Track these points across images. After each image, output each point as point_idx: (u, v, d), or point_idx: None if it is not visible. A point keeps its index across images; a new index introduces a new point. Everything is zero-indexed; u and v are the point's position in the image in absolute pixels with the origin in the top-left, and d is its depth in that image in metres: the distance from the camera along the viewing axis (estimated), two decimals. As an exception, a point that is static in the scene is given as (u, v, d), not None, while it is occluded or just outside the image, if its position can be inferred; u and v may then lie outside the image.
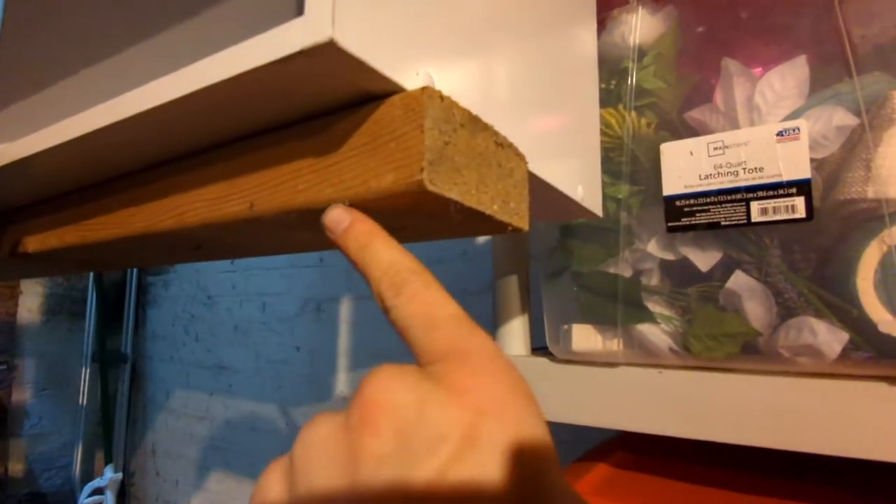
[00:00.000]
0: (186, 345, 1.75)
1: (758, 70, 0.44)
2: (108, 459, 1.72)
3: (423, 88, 0.20)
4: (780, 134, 0.41)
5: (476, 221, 0.24)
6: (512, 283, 0.59)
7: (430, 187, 0.19)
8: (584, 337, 0.51)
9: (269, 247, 0.34)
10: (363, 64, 0.19)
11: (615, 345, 0.49)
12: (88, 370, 1.77)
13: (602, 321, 0.51)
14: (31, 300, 1.69)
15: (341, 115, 0.22)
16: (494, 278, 0.60)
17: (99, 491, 1.64)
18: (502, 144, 0.25)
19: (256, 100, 0.22)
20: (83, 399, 1.75)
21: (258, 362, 1.54)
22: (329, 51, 0.18)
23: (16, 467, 1.62)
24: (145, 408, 1.86)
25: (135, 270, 1.91)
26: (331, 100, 0.22)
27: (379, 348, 1.29)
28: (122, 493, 1.77)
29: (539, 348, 0.60)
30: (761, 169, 0.42)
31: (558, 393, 0.52)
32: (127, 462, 1.86)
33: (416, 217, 0.23)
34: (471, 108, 0.22)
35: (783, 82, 0.42)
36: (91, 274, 1.80)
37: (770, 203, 0.42)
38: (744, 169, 0.43)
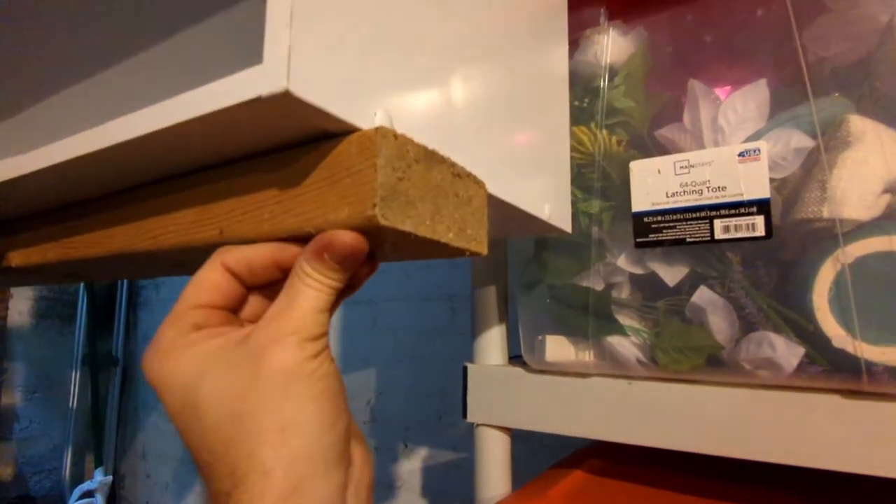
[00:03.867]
0: (177, 348, 1.76)
1: (723, 91, 0.46)
2: (98, 462, 1.72)
3: (377, 129, 0.21)
4: (741, 154, 0.43)
5: (432, 249, 0.25)
6: (490, 294, 0.60)
7: (383, 221, 0.20)
8: (558, 348, 0.52)
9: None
10: (319, 109, 0.20)
11: (587, 356, 0.51)
12: (79, 373, 1.77)
13: (574, 333, 0.52)
14: (21, 303, 1.69)
15: (305, 150, 0.24)
16: (473, 288, 0.62)
17: (89, 494, 1.64)
18: (460, 175, 0.26)
19: (223, 135, 0.23)
20: (73, 402, 1.76)
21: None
22: (285, 99, 0.19)
23: (5, 471, 1.62)
24: (136, 411, 1.86)
25: (126, 274, 1.91)
26: (293, 136, 0.23)
27: (367, 353, 1.30)
28: (113, 497, 1.77)
29: (516, 356, 0.61)
30: (724, 188, 0.44)
31: (533, 402, 0.53)
32: (117, 465, 1.86)
33: (374, 243, 0.24)
34: (430, 139, 0.24)
35: (745, 105, 0.44)
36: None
37: (732, 221, 0.43)
38: (708, 187, 0.44)
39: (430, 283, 1.23)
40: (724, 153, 0.44)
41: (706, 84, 0.46)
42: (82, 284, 1.79)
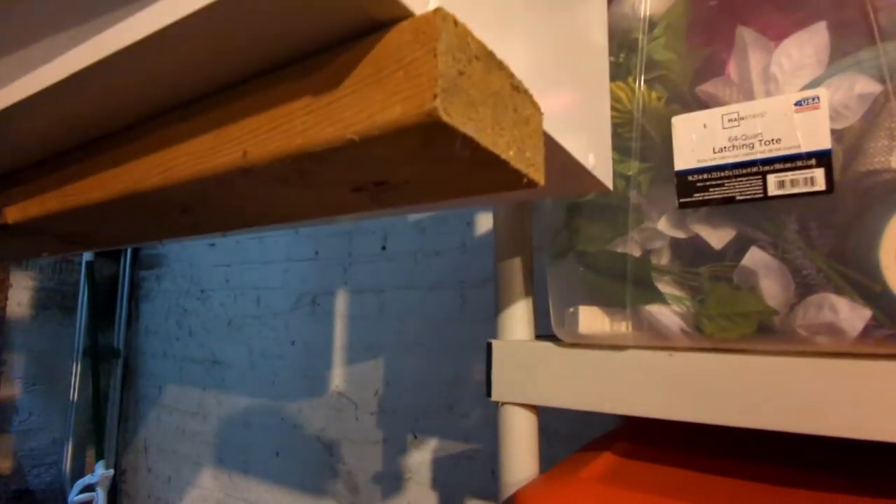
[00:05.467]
0: (179, 339, 1.73)
1: (774, 39, 0.42)
2: (99, 456, 1.69)
3: (437, 10, 0.18)
4: (798, 104, 0.40)
5: (489, 169, 0.22)
6: (514, 267, 0.57)
7: (445, 118, 0.17)
8: (591, 319, 0.49)
9: (262, 211, 0.32)
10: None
11: (623, 327, 0.48)
12: (80, 365, 1.74)
13: (609, 303, 0.49)
14: (21, 294, 1.66)
15: (342, 49, 0.20)
16: (495, 262, 0.58)
17: (90, 488, 1.61)
18: (518, 88, 0.23)
19: (246, 31, 0.20)
20: (74, 395, 1.72)
21: (252, 357, 1.51)
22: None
23: (4, 464, 1.59)
24: (137, 404, 1.83)
25: (127, 264, 1.88)
26: (330, 29, 0.20)
27: (374, 342, 1.27)
28: (114, 490, 1.74)
29: (543, 335, 0.58)
30: (778, 140, 0.40)
31: (564, 378, 0.50)
32: (119, 459, 1.83)
33: (422, 164, 0.21)
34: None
35: (801, 50, 0.40)
36: (83, 267, 1.77)
37: (788, 176, 0.40)
38: (760, 141, 0.41)
39: (440, 270, 1.19)
40: (778, 103, 0.40)
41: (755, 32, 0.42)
42: (83, 275, 1.76)
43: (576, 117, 0.36)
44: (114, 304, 1.85)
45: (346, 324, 1.33)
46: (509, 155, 0.21)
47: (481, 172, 0.22)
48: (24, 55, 0.38)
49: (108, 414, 1.79)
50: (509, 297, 0.57)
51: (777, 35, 0.42)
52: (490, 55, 0.20)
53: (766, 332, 0.42)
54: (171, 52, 0.22)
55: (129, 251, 1.88)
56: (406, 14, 0.18)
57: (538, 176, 0.23)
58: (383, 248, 1.28)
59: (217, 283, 1.64)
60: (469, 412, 1.11)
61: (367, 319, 1.29)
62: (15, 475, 1.60)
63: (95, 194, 0.31)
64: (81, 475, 1.65)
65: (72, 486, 1.59)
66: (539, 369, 0.51)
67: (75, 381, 1.73)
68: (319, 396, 1.35)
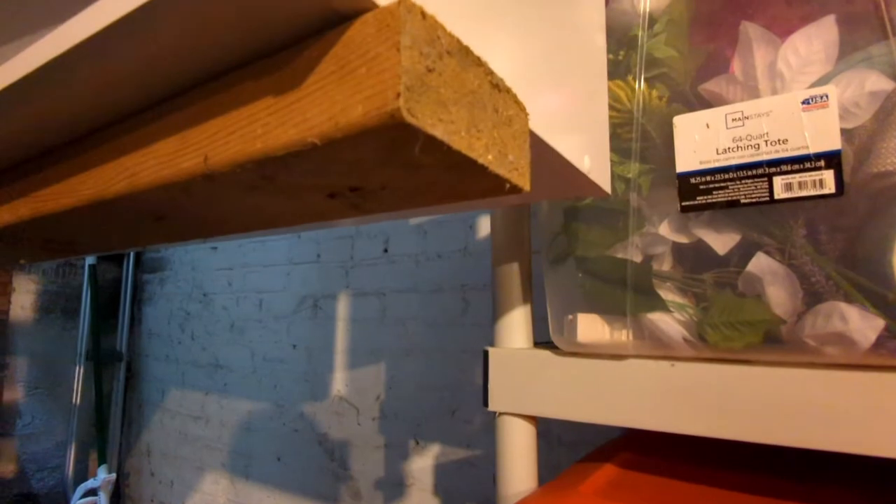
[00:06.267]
0: (182, 343, 1.72)
1: (780, 34, 0.40)
2: (101, 460, 1.68)
3: (401, 1, 0.16)
4: (806, 102, 0.38)
5: (467, 174, 0.20)
6: (512, 272, 0.55)
7: (409, 118, 0.16)
8: (590, 327, 0.47)
9: (235, 219, 0.30)
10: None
11: (624, 335, 0.46)
12: (82, 369, 1.74)
13: (609, 310, 0.47)
14: (23, 297, 1.66)
15: (306, 45, 0.19)
16: (493, 266, 0.57)
17: (92, 492, 1.60)
18: (499, 87, 0.21)
19: (207, 23, 0.19)
20: (77, 398, 1.72)
21: (254, 361, 1.50)
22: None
23: (7, 468, 1.59)
24: (140, 407, 1.83)
25: (130, 267, 1.88)
26: (292, 21, 0.18)
27: (376, 346, 1.25)
28: (117, 494, 1.74)
29: (542, 343, 0.56)
30: (785, 141, 0.38)
31: (562, 387, 0.48)
32: (121, 462, 1.83)
33: (393, 168, 0.19)
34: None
35: (809, 46, 0.39)
36: (86, 271, 1.77)
37: (795, 178, 0.38)
38: (766, 141, 0.39)
39: (442, 273, 1.18)
40: (785, 101, 0.39)
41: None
42: (86, 278, 1.76)
43: (570, 118, 0.35)
44: (117, 307, 1.85)
45: (347, 327, 1.31)
46: (488, 159, 0.19)
47: (458, 177, 0.21)
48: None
49: (111, 417, 1.79)
50: (507, 303, 0.55)
51: (784, 30, 0.40)
52: (465, 50, 0.19)
53: (772, 342, 0.40)
54: (134, 46, 0.20)
55: (131, 254, 1.88)
56: (369, 6, 0.17)
57: (523, 181, 0.22)
58: (385, 250, 1.27)
59: (219, 287, 1.63)
60: (471, 418, 1.10)
61: (369, 323, 1.27)
62: (18, 479, 1.60)
63: (64, 200, 0.30)
64: (84, 479, 1.64)
65: (74, 490, 1.59)
66: (537, 379, 0.50)
67: (78, 384, 1.72)
68: (321, 401, 1.34)
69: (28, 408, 1.65)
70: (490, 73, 0.20)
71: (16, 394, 1.62)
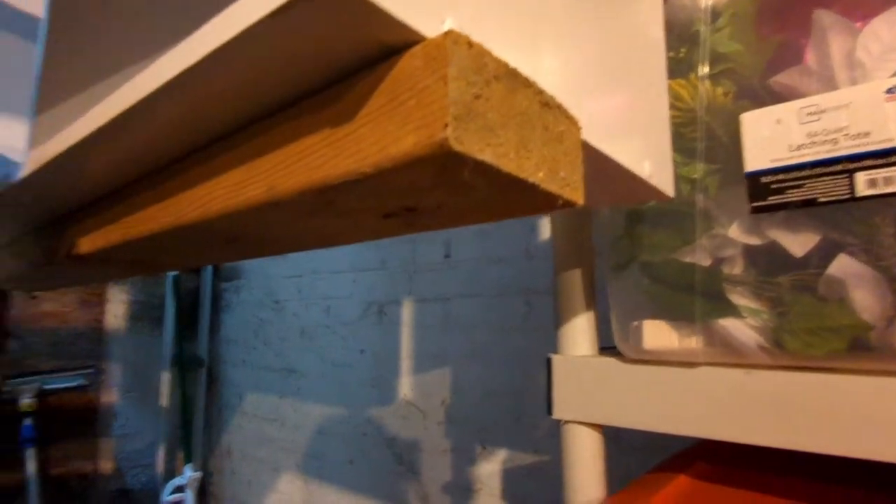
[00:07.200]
0: (256, 349, 1.80)
1: (858, 20, 0.38)
2: (187, 459, 1.79)
3: (447, 33, 0.17)
4: (890, 91, 0.35)
5: (518, 194, 0.20)
6: (575, 278, 0.54)
7: (456, 146, 0.16)
8: (657, 334, 0.45)
9: (297, 239, 0.31)
10: (374, 6, 0.16)
11: (693, 342, 0.44)
12: (168, 374, 1.86)
13: (677, 316, 0.45)
14: (116, 307, 1.79)
15: (357, 78, 0.19)
16: (555, 273, 0.56)
17: (180, 489, 1.71)
18: (549, 104, 0.21)
19: (262, 69, 0.20)
20: (164, 401, 1.84)
21: (324, 365, 1.55)
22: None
23: (106, 465, 1.72)
24: (221, 410, 1.93)
25: (209, 277, 1.99)
26: (343, 58, 0.19)
27: (440, 351, 1.26)
28: (203, 492, 1.84)
29: (606, 348, 0.55)
30: (867, 134, 0.36)
31: (630, 396, 0.47)
32: (206, 462, 1.94)
33: (445, 191, 0.20)
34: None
35: (892, 31, 0.36)
36: (169, 281, 1.89)
37: (880, 173, 0.35)
38: (845, 135, 0.37)
39: (504, 278, 1.17)
40: (865, 91, 0.36)
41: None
42: (169, 288, 1.88)
43: (627, 122, 0.34)
44: (197, 315, 1.96)
45: (412, 332, 1.33)
46: (538, 177, 0.19)
47: (510, 196, 0.21)
48: (88, 94, 0.40)
49: (195, 420, 1.90)
50: (570, 310, 0.54)
51: (862, 16, 0.38)
52: (513, 73, 0.19)
53: (859, 349, 0.37)
54: (206, 85, 0.22)
55: (210, 265, 1.99)
56: (417, 38, 0.17)
57: (576, 196, 0.22)
58: (447, 255, 1.28)
59: (290, 294, 1.70)
60: (537, 423, 1.09)
61: (433, 328, 1.29)
62: (115, 476, 1.73)
63: (146, 226, 0.32)
64: (173, 476, 1.75)
65: (165, 487, 1.70)
66: (603, 387, 0.49)
67: (165, 388, 1.84)
68: (389, 405, 1.36)
69: (123, 410, 1.79)
70: (539, 92, 0.20)
71: (112, 397, 1.76)
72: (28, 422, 1.51)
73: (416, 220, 0.25)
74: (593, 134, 0.27)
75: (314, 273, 1.62)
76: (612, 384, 0.48)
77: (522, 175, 0.19)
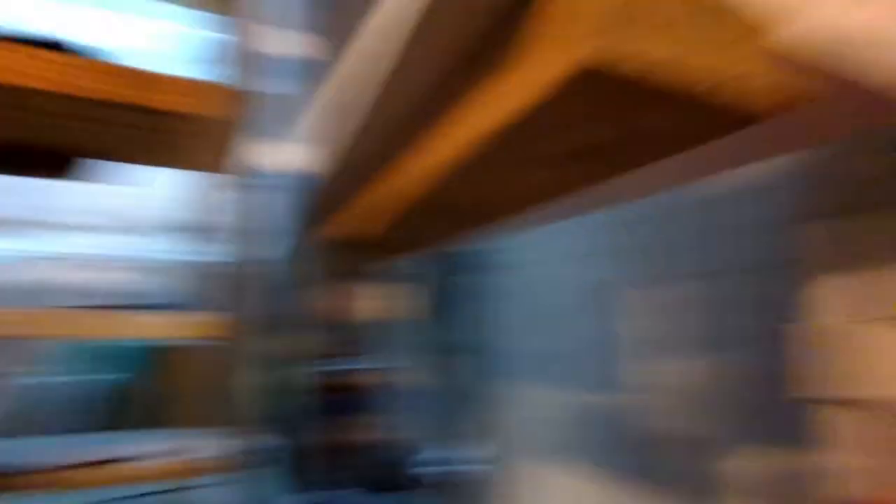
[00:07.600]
0: (517, 334, 1.91)
1: None
2: (464, 444, 1.96)
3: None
4: None
5: (696, 109, 0.19)
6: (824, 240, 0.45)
7: (608, 56, 0.16)
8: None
9: (512, 200, 0.33)
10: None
11: None
12: (444, 360, 2.07)
13: None
14: (396, 300, 2.10)
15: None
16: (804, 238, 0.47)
17: (459, 472, 1.88)
18: None
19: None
20: (441, 387, 2.06)
21: (576, 349, 1.57)
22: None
23: (387, 438, 2.02)
24: (492, 396, 2.08)
25: (468, 267, 2.14)
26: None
27: (679, 335, 1.17)
28: (483, 479, 2.01)
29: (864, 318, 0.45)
30: None
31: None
32: (483, 447, 2.10)
33: (617, 122, 0.20)
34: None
35: None
36: (435, 271, 2.10)
37: None
38: None
39: (733, 253, 1.03)
40: None
41: None
42: (435, 277, 2.09)
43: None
44: (464, 303, 2.15)
45: (650, 316, 1.26)
46: (722, 81, 0.18)
47: (690, 114, 0.19)
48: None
49: (469, 406, 2.08)
50: (822, 273, 0.46)
51: None
52: None
53: None
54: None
55: (468, 255, 2.15)
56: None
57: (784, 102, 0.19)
58: (665, 236, 1.17)
59: (536, 278, 1.75)
60: (791, 412, 0.93)
61: (665, 310, 1.20)
62: (393, 447, 2.02)
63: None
64: (454, 461, 1.95)
65: (443, 470, 1.90)
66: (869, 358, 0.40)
67: (441, 374, 2.07)
68: (630, 393, 1.31)
69: (407, 395, 2.07)
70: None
71: (394, 378, 2.06)
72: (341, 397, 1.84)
73: (610, 160, 0.25)
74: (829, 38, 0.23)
75: (555, 256, 1.64)
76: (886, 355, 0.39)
77: (693, 85, 0.17)
